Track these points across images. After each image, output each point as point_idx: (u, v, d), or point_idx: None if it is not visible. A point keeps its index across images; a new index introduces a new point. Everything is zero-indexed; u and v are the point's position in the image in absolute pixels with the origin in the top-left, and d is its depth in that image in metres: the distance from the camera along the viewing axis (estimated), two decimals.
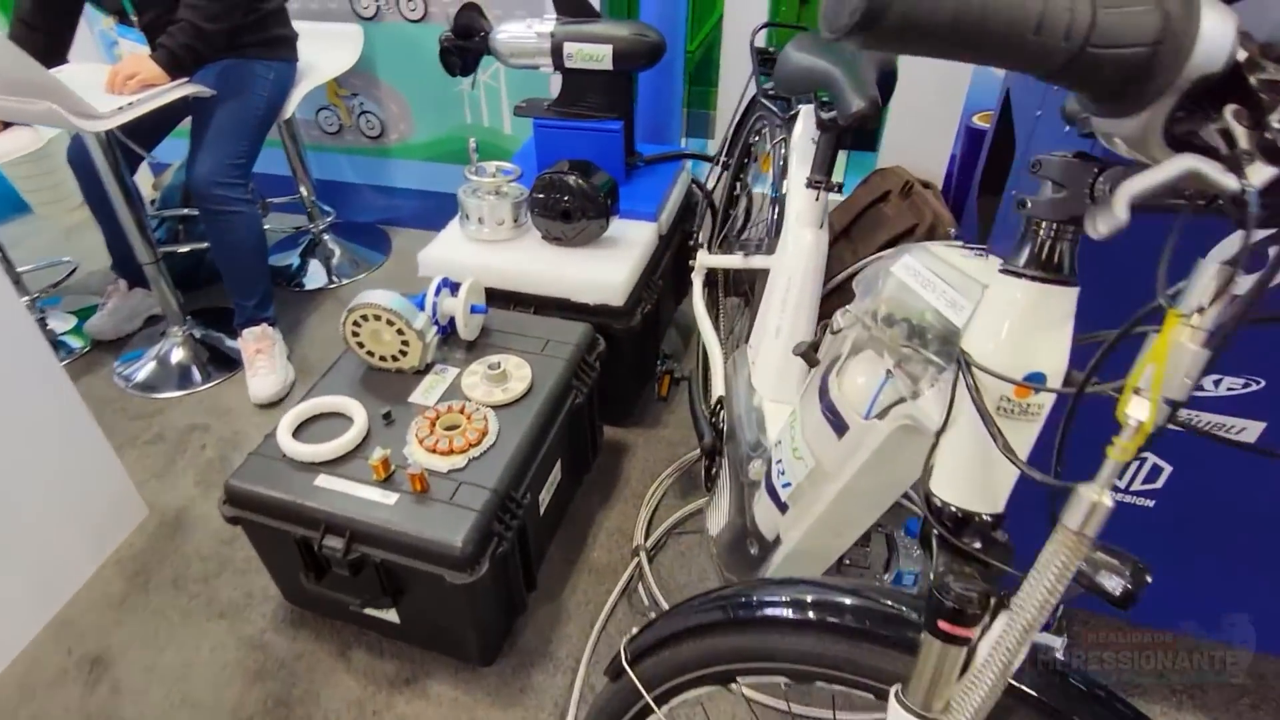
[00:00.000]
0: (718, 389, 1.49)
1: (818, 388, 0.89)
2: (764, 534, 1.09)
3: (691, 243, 1.78)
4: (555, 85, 1.81)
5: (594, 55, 1.70)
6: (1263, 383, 1.01)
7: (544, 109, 1.84)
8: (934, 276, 0.70)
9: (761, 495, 1.08)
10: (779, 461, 0.99)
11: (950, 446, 0.64)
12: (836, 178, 1.21)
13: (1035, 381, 0.59)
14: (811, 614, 0.73)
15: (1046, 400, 0.61)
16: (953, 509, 0.64)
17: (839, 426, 0.85)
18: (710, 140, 2.60)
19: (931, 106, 1.95)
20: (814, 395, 0.90)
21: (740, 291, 1.73)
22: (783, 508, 1.01)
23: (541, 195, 1.68)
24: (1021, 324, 0.60)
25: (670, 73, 2.25)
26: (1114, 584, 0.54)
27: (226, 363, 2.13)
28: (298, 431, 1.33)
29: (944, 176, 2.06)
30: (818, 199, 1.25)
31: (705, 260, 1.69)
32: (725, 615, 0.78)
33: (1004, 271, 0.61)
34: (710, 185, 1.86)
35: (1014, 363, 0.59)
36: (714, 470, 1.38)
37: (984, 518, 0.63)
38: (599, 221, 1.68)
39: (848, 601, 0.72)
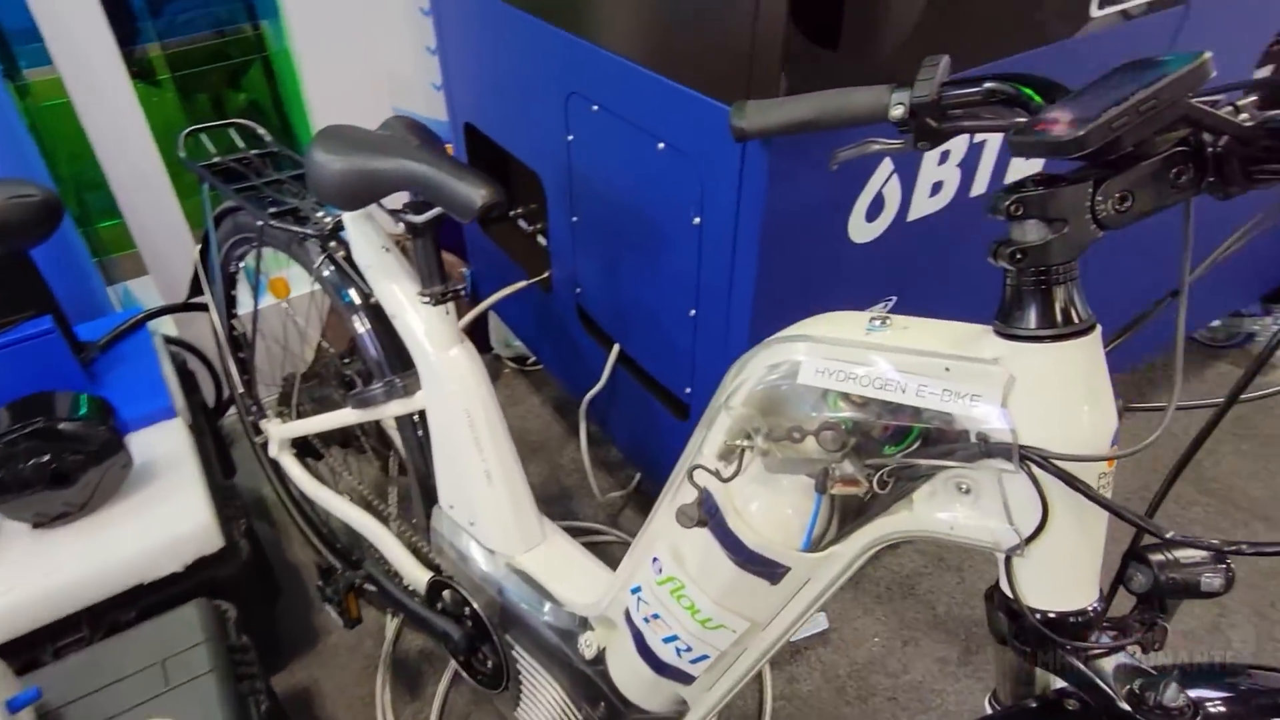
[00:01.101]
0: (414, 575, 1.16)
1: (714, 545, 0.69)
2: (651, 708, 0.88)
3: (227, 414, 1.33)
4: None
5: None
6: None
7: None
8: (881, 373, 0.56)
9: (632, 672, 0.86)
10: (673, 639, 0.77)
11: (1046, 555, 0.53)
12: None
13: (1114, 443, 0.51)
14: None
15: None
16: (1062, 614, 0.54)
17: (771, 574, 0.68)
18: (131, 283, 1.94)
19: None
20: (705, 554, 0.71)
21: (347, 443, 1.36)
22: (688, 679, 0.81)
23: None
24: (1075, 392, 0.50)
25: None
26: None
27: None
28: None
29: None
30: (447, 312, 0.99)
31: (285, 430, 1.27)
32: None
33: (1021, 339, 0.50)
34: (216, 336, 1.39)
35: (1092, 436, 0.50)
36: (488, 663, 1.08)
37: (1091, 609, 0.55)
38: (117, 460, 1.13)
39: None
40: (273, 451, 1.32)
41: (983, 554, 1.54)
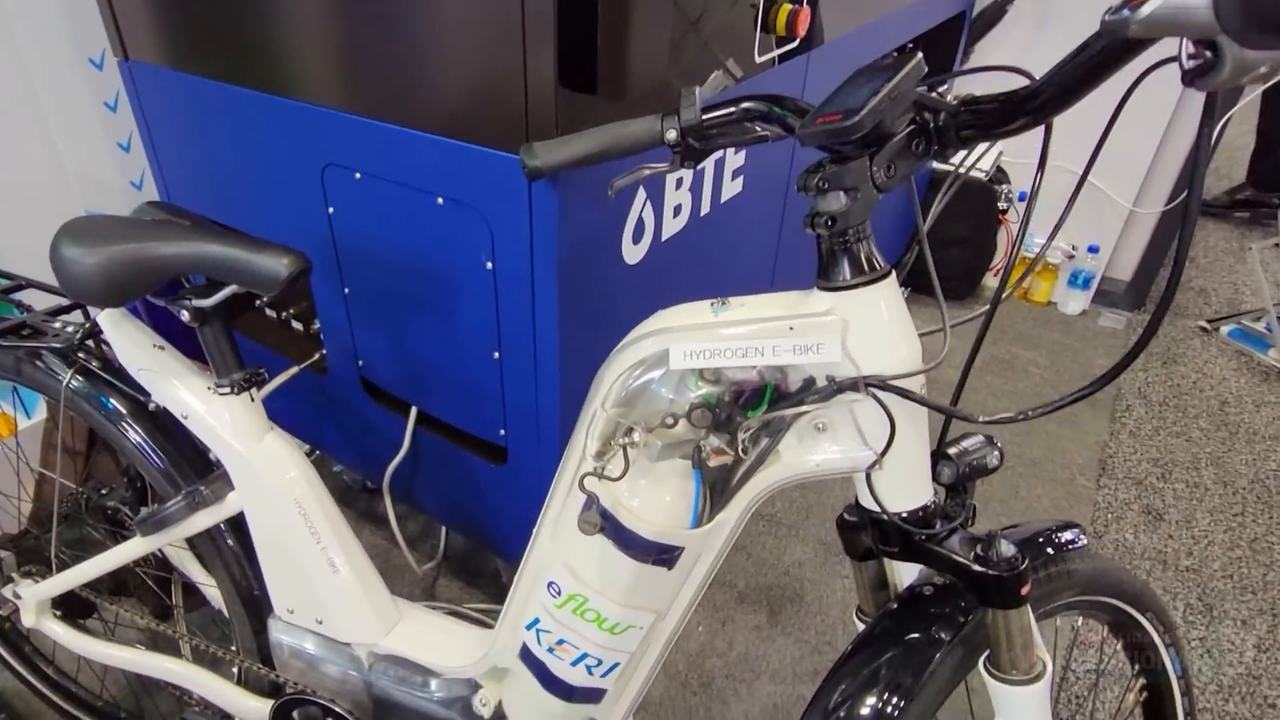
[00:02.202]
0: (250, 707, 1.04)
1: (610, 549, 0.73)
2: None
3: None
4: None
5: None
6: None
7: None
8: (739, 343, 0.65)
9: (539, 710, 0.87)
10: (582, 658, 0.80)
11: (896, 464, 0.65)
12: None
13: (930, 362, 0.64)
14: None
15: None
16: (913, 512, 0.67)
17: (668, 560, 0.74)
18: None
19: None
20: (602, 561, 0.75)
21: (119, 589, 1.18)
22: (598, 697, 0.84)
23: None
24: (892, 325, 0.63)
25: None
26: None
27: None
28: None
29: None
30: (252, 399, 0.93)
31: (46, 589, 1.07)
32: None
33: (842, 289, 0.62)
34: None
35: (909, 356, 0.63)
36: None
37: (931, 503, 0.68)
38: None
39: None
40: (29, 620, 1.10)
41: (760, 529, 1.74)
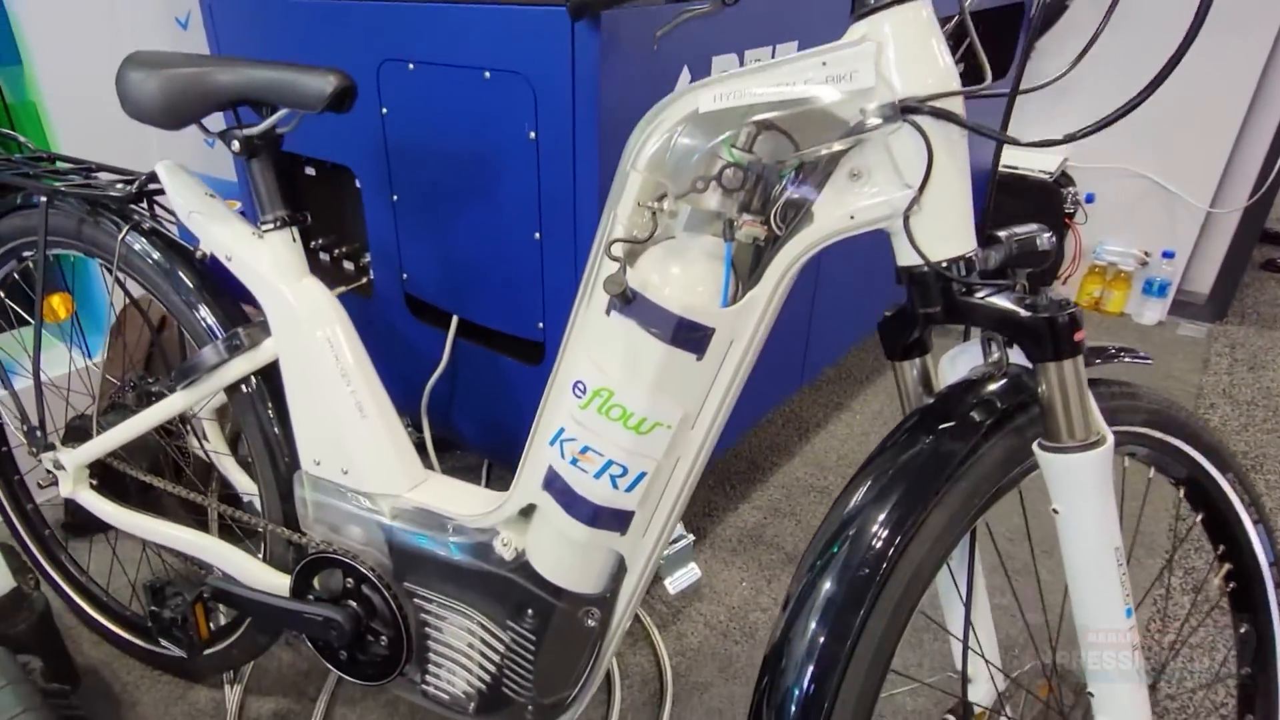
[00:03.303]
0: (274, 582, 1.02)
1: (638, 332, 0.71)
2: (585, 588, 0.84)
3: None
4: None
5: None
6: None
7: None
8: (770, 81, 0.63)
9: (563, 543, 0.82)
10: (606, 467, 0.76)
11: (936, 204, 0.61)
12: None
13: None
14: None
15: None
16: (954, 260, 0.62)
17: (697, 344, 0.70)
18: None
19: None
20: (629, 348, 0.72)
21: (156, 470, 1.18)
22: (623, 522, 0.79)
23: None
24: (927, 41, 0.60)
25: None
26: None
27: None
28: None
29: None
30: (294, 239, 0.94)
31: (85, 452, 1.09)
32: None
33: (875, 10, 0.60)
34: None
35: (947, 74, 0.60)
36: (381, 639, 0.96)
37: (974, 253, 0.64)
38: None
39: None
40: (66, 489, 1.10)
41: (810, 500, 1.66)
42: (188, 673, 1.25)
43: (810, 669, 0.61)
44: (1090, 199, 2.46)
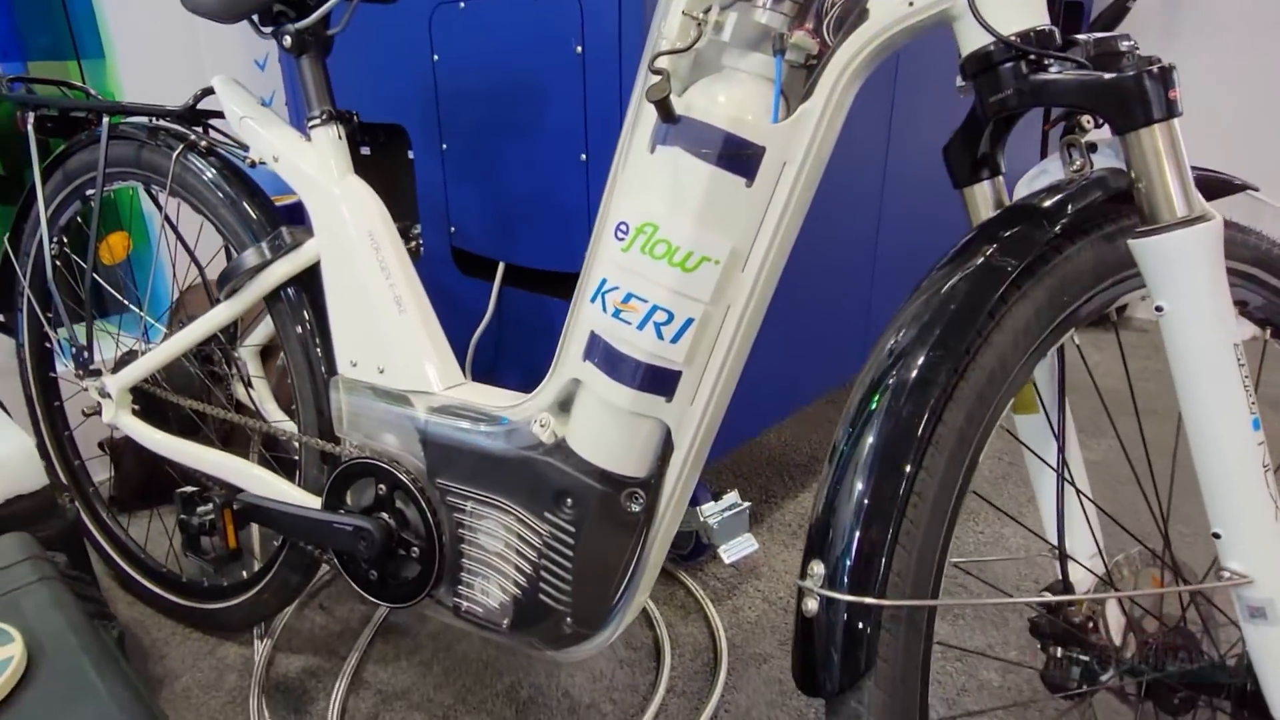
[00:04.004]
0: (307, 502, 0.98)
1: (684, 156, 0.67)
2: (629, 470, 0.77)
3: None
4: None
5: None
6: None
7: None
8: None
9: (607, 414, 0.76)
10: (651, 313, 0.70)
11: None
12: None
13: None
14: None
15: None
16: (1028, 31, 0.57)
17: (747, 167, 0.66)
18: None
19: None
20: (675, 174, 0.68)
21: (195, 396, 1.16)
22: (669, 384, 0.73)
23: None
24: None
25: None
26: None
27: None
28: None
29: None
30: (340, 137, 0.94)
31: (128, 374, 1.08)
32: None
33: None
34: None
35: None
36: (412, 551, 0.90)
37: (1046, 28, 0.59)
38: None
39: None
40: (108, 416, 1.09)
41: None
42: (218, 626, 1.20)
43: (858, 535, 0.53)
44: None
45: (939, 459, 0.51)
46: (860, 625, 0.49)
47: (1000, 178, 0.68)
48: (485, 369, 1.35)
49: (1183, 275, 0.55)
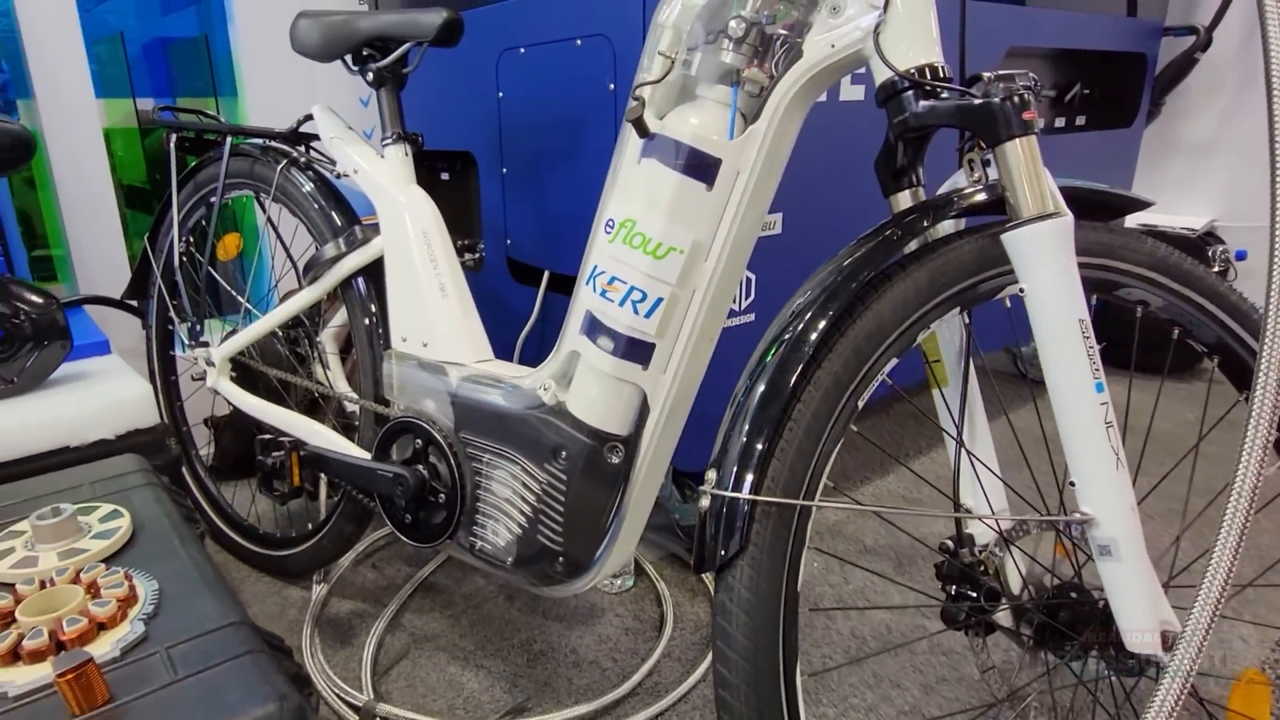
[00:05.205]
0: (348, 451, 1.17)
1: (656, 166, 0.83)
2: (612, 426, 0.92)
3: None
4: None
5: None
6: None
7: None
8: None
9: (593, 378, 0.91)
10: (629, 294, 0.86)
11: (901, 15, 0.71)
12: None
13: None
14: None
15: None
16: (922, 66, 0.71)
17: (707, 175, 0.81)
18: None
19: None
20: (649, 180, 0.84)
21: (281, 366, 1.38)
22: (645, 353, 0.88)
23: None
24: None
25: None
26: None
27: None
28: None
29: None
30: (406, 154, 1.14)
31: (229, 346, 1.30)
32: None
33: None
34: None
35: None
36: (440, 496, 1.07)
37: (939, 66, 0.72)
38: (57, 339, 1.13)
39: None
40: (211, 380, 1.32)
41: (903, 502, 1.64)
42: (286, 571, 1.40)
43: (741, 445, 0.66)
44: (1242, 255, 2.37)
45: (815, 395, 0.64)
46: (737, 515, 0.62)
47: (920, 188, 0.81)
48: (529, 363, 1.53)
49: (1037, 260, 0.67)
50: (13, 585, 0.72)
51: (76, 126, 1.68)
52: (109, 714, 0.59)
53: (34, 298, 1.12)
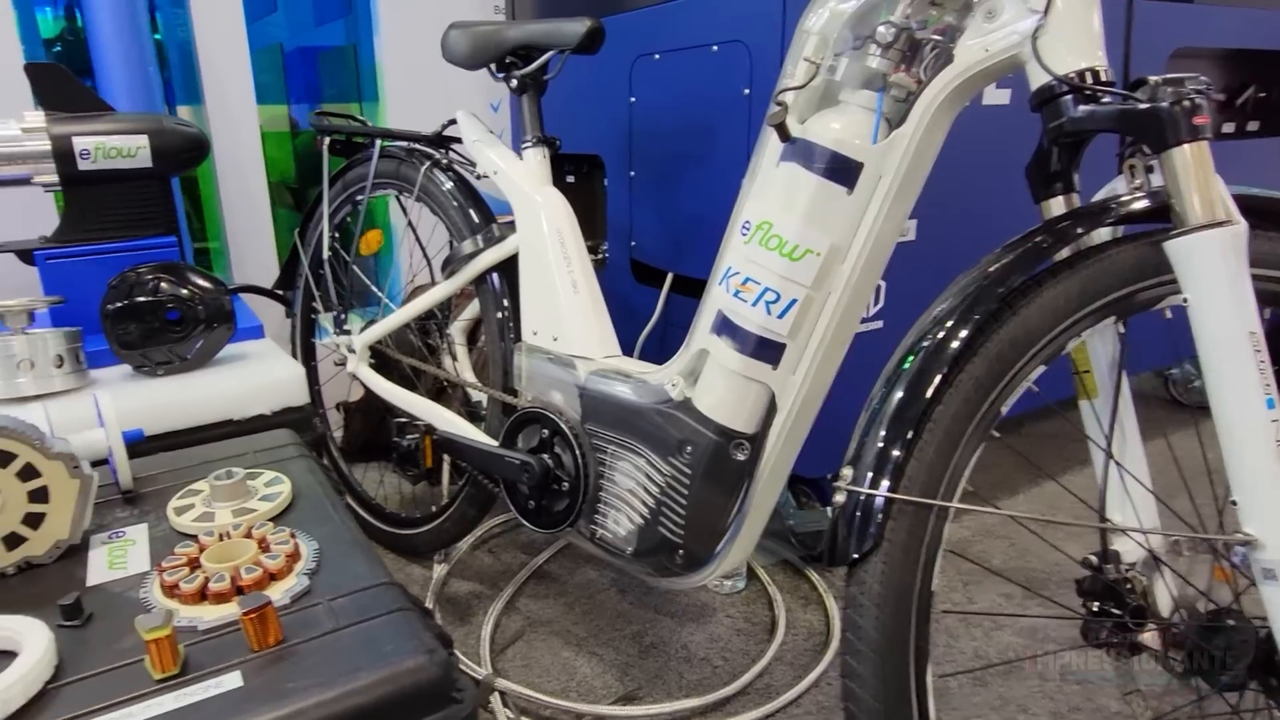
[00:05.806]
0: (477, 438, 1.22)
1: (795, 169, 0.84)
2: (739, 425, 0.93)
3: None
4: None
5: (124, 150, 1.29)
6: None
7: (42, 240, 1.29)
8: None
9: (721, 376, 0.93)
10: (762, 294, 0.87)
11: (1062, 18, 0.69)
12: None
13: None
14: None
15: None
16: (1083, 70, 0.69)
17: (848, 178, 0.82)
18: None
19: None
20: (788, 183, 0.85)
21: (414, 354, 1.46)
22: (775, 353, 0.89)
23: (122, 307, 1.16)
24: None
25: None
26: None
27: None
28: None
29: None
30: (543, 157, 1.19)
31: (370, 333, 1.39)
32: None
33: None
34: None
35: None
36: (563, 485, 1.10)
37: (1101, 69, 0.70)
38: (224, 323, 1.24)
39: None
40: (352, 365, 1.41)
41: (1035, 526, 1.59)
42: (410, 549, 1.48)
43: (879, 446, 0.66)
44: None
45: (955, 397, 0.64)
46: (872, 511, 0.62)
47: (1075, 194, 0.79)
48: (650, 362, 1.56)
49: (1204, 269, 0.64)
50: (196, 536, 0.79)
51: (239, 130, 1.83)
52: (281, 652, 0.65)
53: (206, 284, 1.23)
